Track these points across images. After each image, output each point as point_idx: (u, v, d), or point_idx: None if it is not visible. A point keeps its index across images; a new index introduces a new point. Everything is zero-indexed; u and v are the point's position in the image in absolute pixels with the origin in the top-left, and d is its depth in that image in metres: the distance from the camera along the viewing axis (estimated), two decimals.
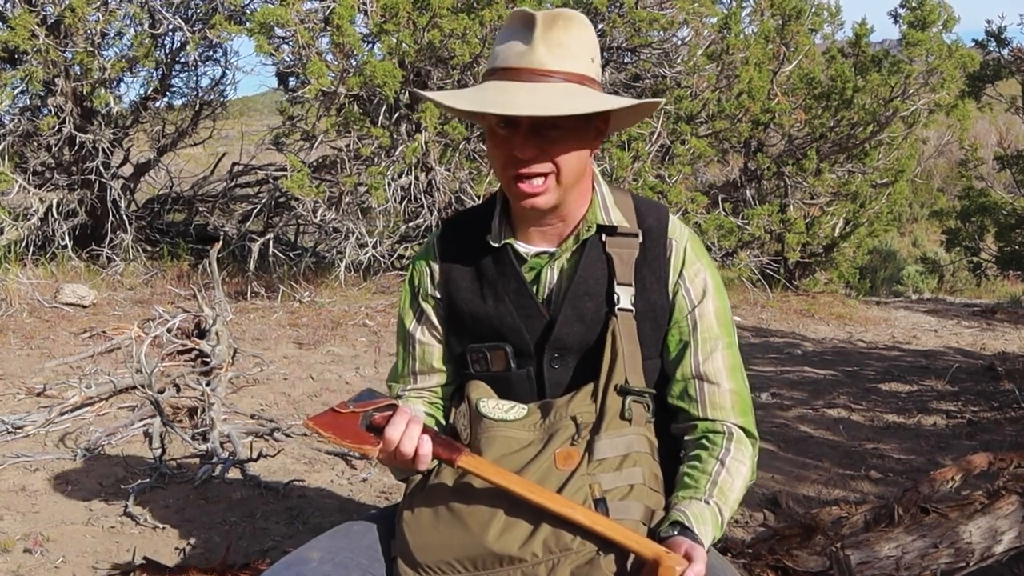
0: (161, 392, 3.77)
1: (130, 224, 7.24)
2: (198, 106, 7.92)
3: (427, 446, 1.44)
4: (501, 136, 1.50)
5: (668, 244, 1.61)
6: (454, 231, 1.69)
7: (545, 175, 1.49)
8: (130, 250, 7.15)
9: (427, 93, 1.56)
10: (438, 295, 1.66)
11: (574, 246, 1.59)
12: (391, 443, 1.43)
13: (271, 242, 6.78)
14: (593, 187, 1.61)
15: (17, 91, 6.72)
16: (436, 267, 1.66)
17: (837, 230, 8.13)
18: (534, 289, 1.60)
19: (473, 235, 1.63)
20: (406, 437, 1.43)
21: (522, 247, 1.60)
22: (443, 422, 1.69)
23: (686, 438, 1.60)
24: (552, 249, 1.60)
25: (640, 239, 1.60)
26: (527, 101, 1.43)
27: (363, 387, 1.58)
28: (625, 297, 1.56)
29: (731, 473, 1.52)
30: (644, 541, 1.37)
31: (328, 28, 6.23)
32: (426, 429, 1.45)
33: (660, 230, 1.61)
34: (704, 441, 1.57)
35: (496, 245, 1.60)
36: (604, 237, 1.59)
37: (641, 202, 1.65)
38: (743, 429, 1.58)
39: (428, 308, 1.67)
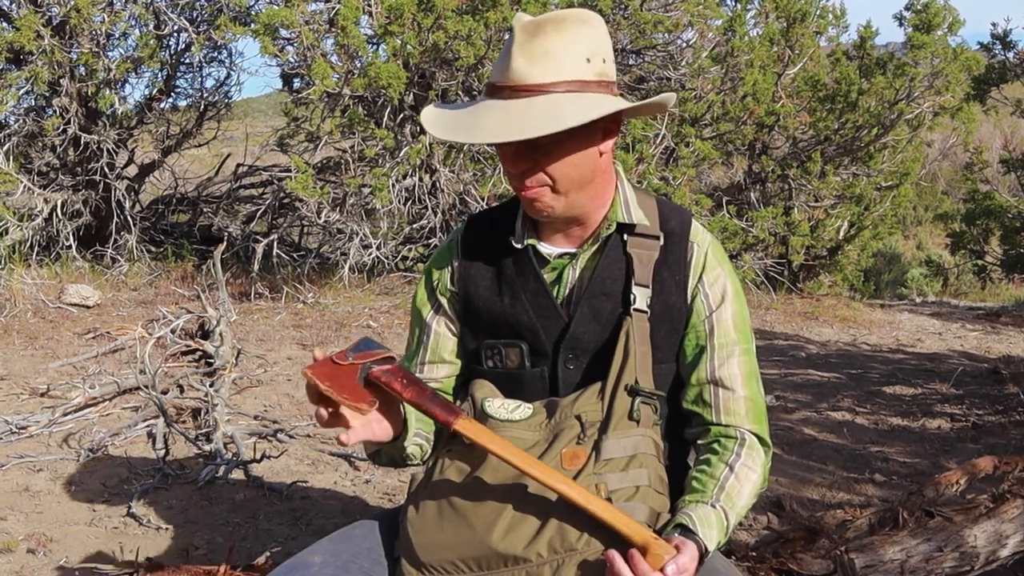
0: (165, 393, 3.78)
1: (134, 225, 7.26)
2: (202, 107, 7.94)
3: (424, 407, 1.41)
4: (503, 151, 1.50)
5: (689, 248, 1.59)
6: (478, 229, 1.68)
7: (542, 186, 1.48)
8: (134, 251, 7.17)
9: (424, 112, 1.55)
10: (456, 290, 1.65)
11: (595, 245, 1.58)
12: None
13: (275, 243, 6.79)
14: (616, 187, 1.60)
15: (22, 92, 6.75)
16: (456, 263, 1.66)
17: (841, 233, 8.12)
18: (555, 289, 1.59)
19: (497, 234, 1.63)
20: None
21: (545, 248, 1.59)
22: None
23: (698, 442, 1.59)
24: (574, 250, 1.59)
25: (661, 242, 1.59)
26: (491, 124, 1.42)
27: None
28: (641, 298, 1.55)
29: (740, 479, 1.51)
30: (635, 526, 1.35)
31: (333, 29, 6.24)
32: (423, 390, 1.42)
33: (682, 233, 1.60)
34: (715, 446, 1.55)
35: (519, 247, 1.59)
36: (625, 237, 1.58)
37: (665, 205, 1.64)
38: (757, 436, 1.57)
39: (445, 302, 1.67)
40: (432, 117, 1.53)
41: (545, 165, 1.46)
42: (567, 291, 1.59)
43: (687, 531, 1.39)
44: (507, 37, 1.49)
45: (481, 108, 1.46)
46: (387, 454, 1.56)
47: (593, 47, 1.46)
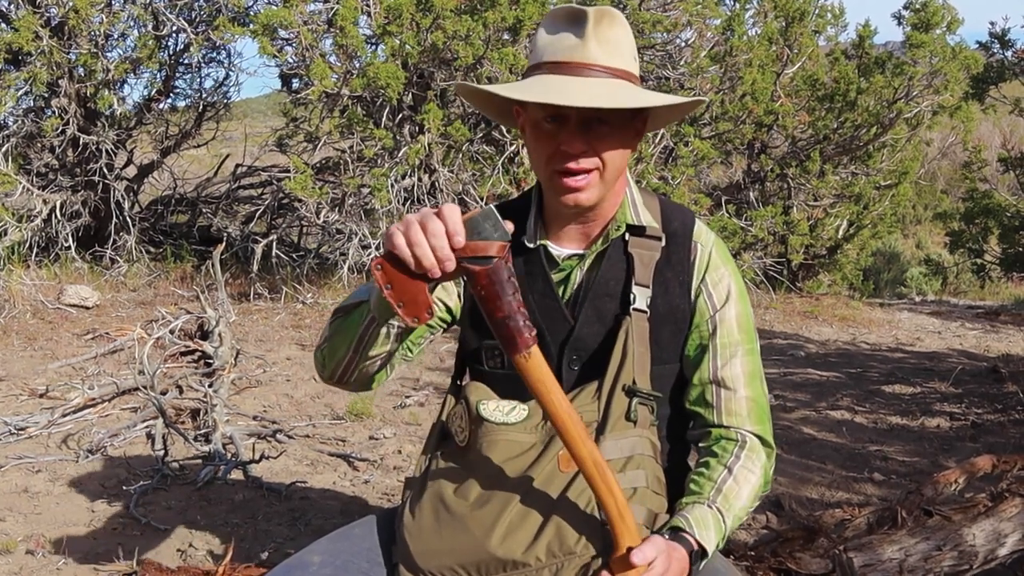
0: (164, 394, 3.78)
1: (133, 225, 7.25)
2: (201, 107, 7.94)
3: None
4: (547, 131, 1.48)
5: (693, 248, 1.59)
6: None
7: (590, 171, 1.48)
8: (133, 251, 7.16)
9: (482, 86, 1.53)
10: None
11: (602, 247, 1.57)
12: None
13: (274, 244, 6.79)
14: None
15: (21, 92, 6.74)
16: None
17: (841, 232, 8.13)
18: (562, 290, 1.58)
19: None
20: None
21: (555, 249, 1.58)
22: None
23: (700, 444, 1.59)
24: (582, 251, 1.58)
25: (663, 242, 1.58)
26: (583, 93, 1.42)
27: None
28: (641, 298, 1.55)
29: (738, 481, 1.50)
30: (626, 528, 1.32)
31: (331, 30, 6.24)
32: (498, 307, 1.28)
33: (685, 234, 1.60)
34: (715, 448, 1.55)
35: (531, 246, 1.58)
36: (628, 237, 1.57)
37: (668, 205, 1.64)
38: (759, 437, 1.56)
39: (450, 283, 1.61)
40: (507, 88, 1.48)
41: (600, 149, 1.47)
42: (573, 293, 1.58)
43: (678, 531, 1.39)
44: (547, 22, 1.50)
45: (555, 80, 1.46)
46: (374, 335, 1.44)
47: (634, 47, 1.54)
